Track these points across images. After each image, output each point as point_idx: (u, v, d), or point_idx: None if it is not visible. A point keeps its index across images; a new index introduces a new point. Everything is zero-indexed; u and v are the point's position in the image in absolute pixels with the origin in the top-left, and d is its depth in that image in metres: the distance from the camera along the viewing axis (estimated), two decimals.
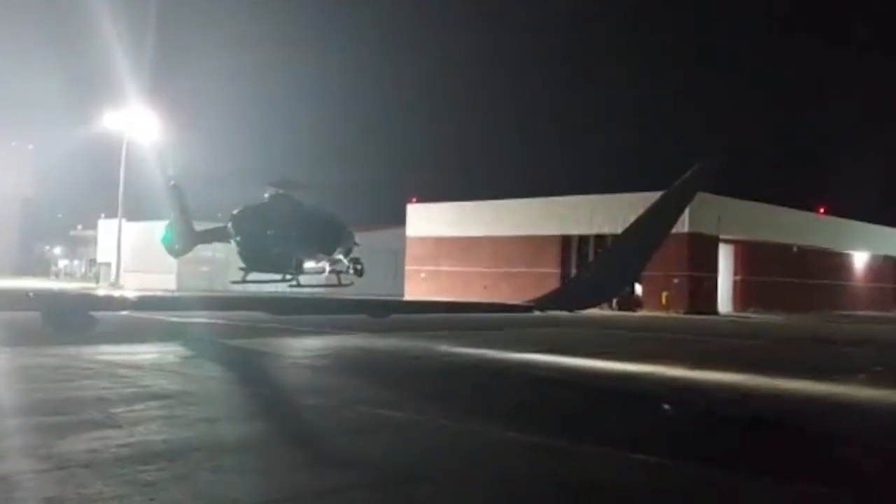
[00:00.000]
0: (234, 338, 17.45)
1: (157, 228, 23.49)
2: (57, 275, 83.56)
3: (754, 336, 25.89)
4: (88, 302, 15.24)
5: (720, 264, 45.53)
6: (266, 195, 19.67)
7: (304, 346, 16.69)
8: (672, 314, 40.13)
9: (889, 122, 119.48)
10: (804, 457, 7.43)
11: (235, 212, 19.83)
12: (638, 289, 42.35)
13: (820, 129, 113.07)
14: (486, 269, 48.55)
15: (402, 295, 50.20)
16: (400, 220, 54.55)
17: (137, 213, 52.82)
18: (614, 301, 39.38)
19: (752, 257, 48.10)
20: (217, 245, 22.74)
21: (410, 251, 53.16)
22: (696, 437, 8.18)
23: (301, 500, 5.35)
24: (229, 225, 19.78)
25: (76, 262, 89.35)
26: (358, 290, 21.08)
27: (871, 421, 9.56)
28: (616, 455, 6.94)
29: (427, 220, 52.80)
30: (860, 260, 59.06)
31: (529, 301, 16.37)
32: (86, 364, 11.89)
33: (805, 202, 53.94)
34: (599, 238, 43.56)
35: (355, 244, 19.91)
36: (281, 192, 19.48)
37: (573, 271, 44.39)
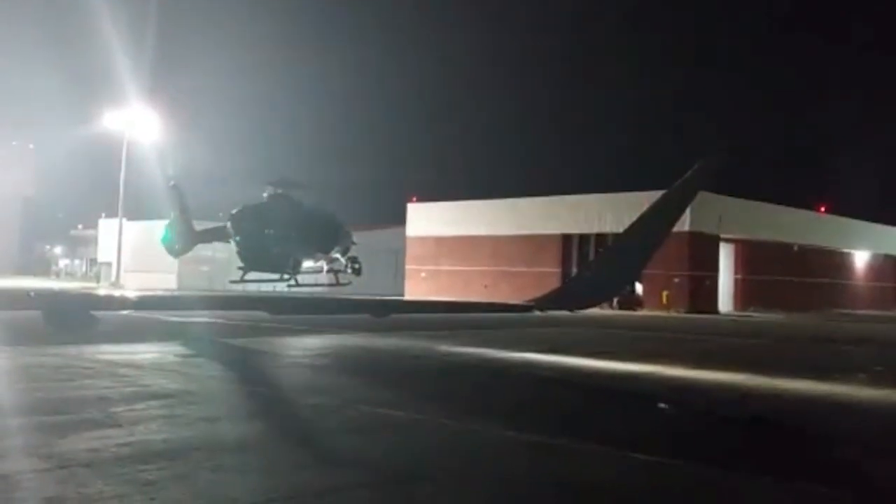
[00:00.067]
0: (235, 337, 17.46)
1: (158, 228, 23.53)
2: (57, 274, 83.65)
3: (755, 335, 25.89)
4: (89, 301, 15.25)
5: (721, 263, 45.52)
6: (265, 195, 19.71)
7: (305, 346, 16.70)
8: (673, 313, 40.12)
9: (889, 121, 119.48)
10: (804, 457, 7.43)
11: (234, 211, 19.88)
12: (639, 288, 42.32)
13: (820, 128, 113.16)
14: (486, 269, 48.53)
15: (403, 294, 50.20)
16: (400, 219, 54.54)
17: (138, 212, 52.93)
18: (615, 300, 39.37)
19: (752, 256, 48.11)
20: (217, 245, 22.77)
21: (411, 251, 53.15)
22: (697, 437, 8.18)
23: (302, 500, 5.35)
24: (228, 224, 19.82)
25: (77, 262, 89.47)
26: (358, 289, 21.09)
27: (872, 421, 9.56)
28: (616, 455, 6.94)
29: (427, 219, 52.78)
30: (860, 259, 59.05)
31: (530, 301, 16.37)
32: (86, 363, 11.90)
33: (805, 201, 54.02)
34: (600, 237, 43.55)
35: (353, 243, 19.95)
36: (280, 191, 19.51)
37: (574, 271, 44.37)
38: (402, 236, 53.43)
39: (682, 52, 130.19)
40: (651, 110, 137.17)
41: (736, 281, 47.91)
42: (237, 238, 19.66)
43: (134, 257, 53.09)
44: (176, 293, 36.77)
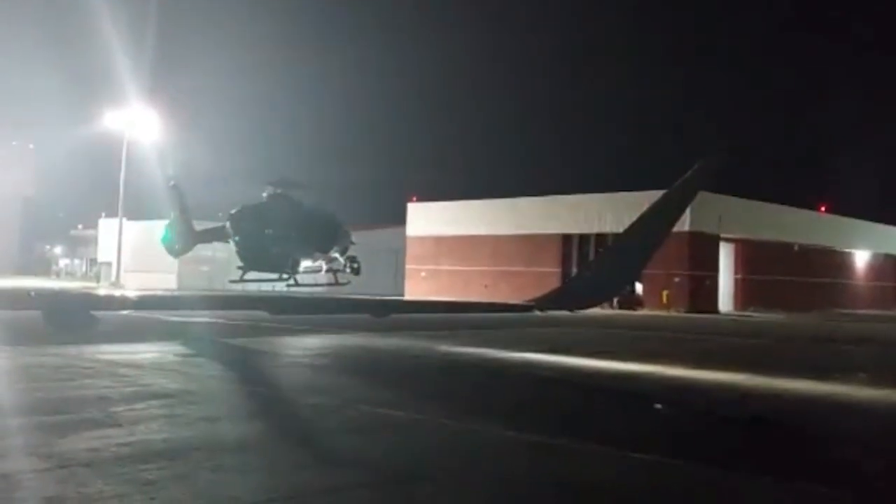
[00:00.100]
0: (235, 337, 17.46)
1: (158, 228, 23.53)
2: (58, 274, 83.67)
3: (755, 335, 25.89)
4: (89, 301, 15.27)
5: (721, 263, 45.51)
6: (264, 194, 19.75)
7: (305, 346, 16.71)
8: (673, 313, 40.12)
9: (889, 121, 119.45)
10: (804, 457, 7.44)
11: (233, 211, 19.92)
12: (639, 288, 42.32)
13: (820, 128, 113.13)
14: (486, 269, 48.53)
15: (403, 294, 50.21)
16: (400, 219, 54.53)
17: (138, 212, 52.91)
18: (615, 300, 39.36)
19: (752, 256, 48.10)
20: (217, 244, 22.77)
21: (411, 250, 53.14)
22: (697, 437, 8.18)
23: (302, 499, 5.35)
24: (228, 224, 19.85)
25: (77, 262, 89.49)
26: (358, 289, 21.10)
27: (872, 421, 9.56)
28: (616, 455, 6.94)
29: (427, 219, 52.78)
30: (861, 258, 59.03)
31: (530, 300, 16.38)
32: (87, 363, 11.90)
33: (806, 201, 54.01)
34: (600, 237, 43.54)
35: (351, 243, 19.98)
36: (279, 191, 19.55)
37: (574, 271, 44.36)
38: (402, 236, 53.44)
39: (682, 52, 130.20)
40: (651, 110, 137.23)
41: (736, 281, 47.91)
42: (236, 238, 19.70)
43: (134, 257, 53.10)
44: (176, 293, 36.78)
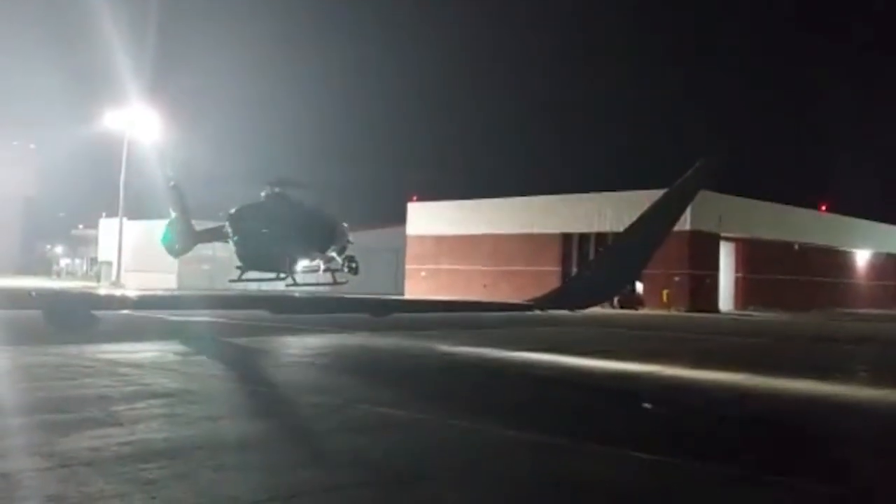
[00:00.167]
0: (235, 336, 17.47)
1: (158, 228, 23.55)
2: (58, 274, 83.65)
3: (755, 334, 25.89)
4: (90, 301, 15.28)
5: (721, 262, 45.52)
6: (263, 194, 19.79)
7: (305, 345, 16.72)
8: (673, 312, 40.15)
9: (889, 121, 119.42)
10: (804, 456, 7.44)
11: (232, 211, 19.96)
12: (639, 287, 42.31)
13: (820, 128, 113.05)
14: (486, 268, 48.56)
15: (403, 294, 50.22)
16: (400, 218, 54.55)
17: (138, 212, 52.90)
18: (615, 299, 39.37)
19: (753, 255, 48.10)
20: (218, 244, 22.81)
21: (411, 250, 53.16)
22: (697, 437, 8.19)
23: (303, 499, 5.36)
24: (227, 224, 19.89)
25: (77, 261, 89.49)
26: (358, 288, 21.12)
27: (872, 421, 9.56)
28: (616, 454, 6.95)
29: (427, 218, 52.79)
30: (862, 258, 59.02)
31: (530, 300, 16.38)
32: (87, 362, 11.91)
33: (806, 200, 54.01)
34: (600, 236, 43.56)
35: (349, 242, 20.02)
36: (277, 190, 19.59)
37: (574, 270, 44.38)
38: (403, 235, 53.46)
39: (682, 52, 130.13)
40: (651, 110, 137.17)
41: (736, 280, 47.92)
42: (235, 238, 19.76)
43: (134, 257, 53.14)
44: (176, 292, 36.80)
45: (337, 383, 11.38)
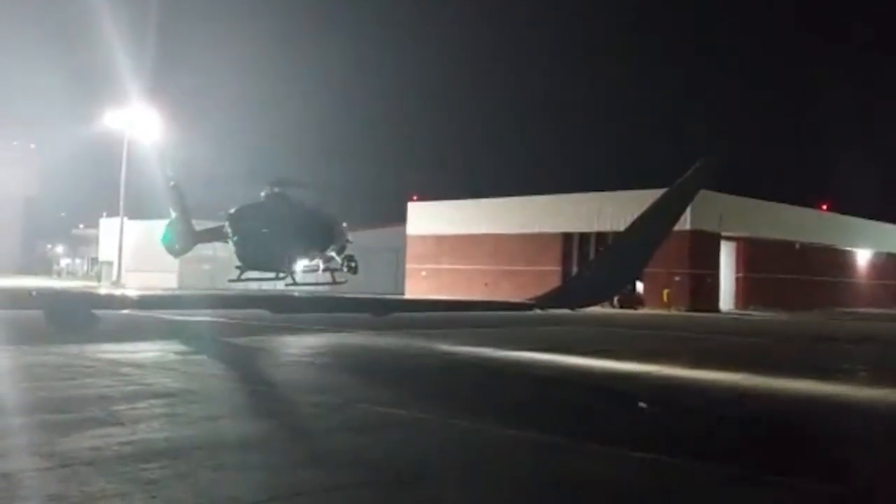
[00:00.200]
0: (236, 336, 17.48)
1: (159, 227, 23.58)
2: (59, 273, 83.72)
3: (756, 334, 25.89)
4: (90, 300, 15.30)
5: (722, 262, 45.49)
6: (262, 194, 19.82)
7: (306, 345, 16.73)
8: (673, 312, 40.14)
9: (889, 121, 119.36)
10: (804, 456, 7.45)
11: (232, 211, 20.00)
12: (639, 286, 42.30)
13: (820, 127, 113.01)
14: (486, 267, 48.55)
15: (403, 293, 50.22)
16: (401, 218, 54.54)
17: (139, 211, 52.93)
18: (616, 299, 39.36)
19: (753, 254, 48.06)
20: (218, 244, 22.85)
21: (411, 249, 53.15)
22: (696, 437, 8.19)
23: (304, 498, 5.36)
24: (226, 224, 19.93)
25: (78, 261, 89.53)
26: (359, 288, 21.14)
27: (872, 421, 9.57)
28: (616, 453, 6.96)
29: (428, 218, 52.78)
30: (863, 257, 58.98)
31: (530, 299, 16.39)
32: (88, 362, 11.92)
33: (807, 199, 53.99)
34: (601, 236, 43.55)
35: (349, 242, 20.05)
36: (276, 190, 19.62)
37: (574, 269, 44.37)
38: (403, 235, 53.46)
39: (682, 52, 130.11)
40: (651, 110, 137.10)
41: (737, 279, 47.89)
42: (235, 238, 19.79)
43: (135, 256, 53.15)
44: (177, 292, 36.82)
45: (337, 383, 11.39)
